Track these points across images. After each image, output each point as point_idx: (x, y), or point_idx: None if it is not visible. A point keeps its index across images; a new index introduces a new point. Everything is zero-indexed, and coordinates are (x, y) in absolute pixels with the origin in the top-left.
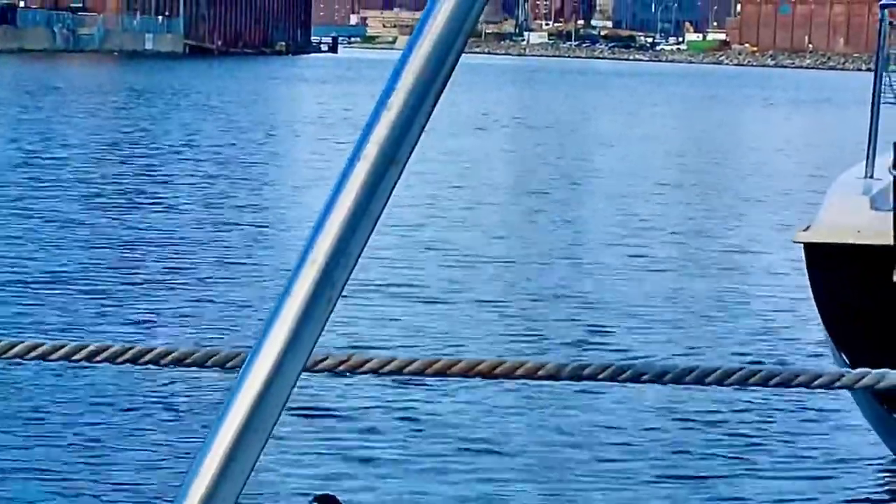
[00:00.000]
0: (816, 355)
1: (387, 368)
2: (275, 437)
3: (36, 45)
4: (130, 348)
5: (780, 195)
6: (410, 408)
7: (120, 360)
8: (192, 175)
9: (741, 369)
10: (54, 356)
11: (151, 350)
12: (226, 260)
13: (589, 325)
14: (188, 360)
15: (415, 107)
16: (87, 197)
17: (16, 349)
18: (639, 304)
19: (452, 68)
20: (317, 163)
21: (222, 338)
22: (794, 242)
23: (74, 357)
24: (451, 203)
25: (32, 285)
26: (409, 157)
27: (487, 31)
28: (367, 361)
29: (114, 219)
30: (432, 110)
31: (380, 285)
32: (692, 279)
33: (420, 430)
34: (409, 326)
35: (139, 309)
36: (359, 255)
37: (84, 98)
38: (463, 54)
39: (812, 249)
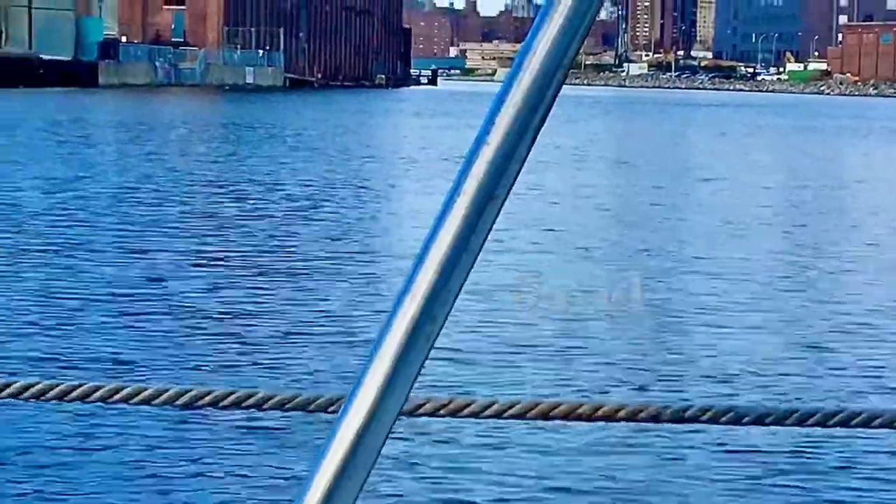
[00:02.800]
0: None
1: (487, 412)
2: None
3: (138, 79)
4: (232, 392)
5: (887, 228)
6: (509, 451)
7: (223, 404)
8: (287, 209)
9: (799, 410)
10: (136, 399)
11: (255, 394)
12: (324, 293)
13: (692, 365)
14: (289, 405)
15: (514, 142)
16: (182, 230)
17: (99, 393)
18: (739, 339)
19: (552, 103)
20: (416, 197)
21: (318, 373)
22: None
23: (170, 402)
24: (545, 241)
25: (120, 319)
26: (508, 193)
27: (587, 62)
28: (467, 405)
29: (209, 252)
30: (532, 145)
31: (468, 324)
32: (797, 318)
33: (518, 476)
34: (496, 369)
35: (232, 349)
36: (459, 291)
37: (184, 132)
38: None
39: None
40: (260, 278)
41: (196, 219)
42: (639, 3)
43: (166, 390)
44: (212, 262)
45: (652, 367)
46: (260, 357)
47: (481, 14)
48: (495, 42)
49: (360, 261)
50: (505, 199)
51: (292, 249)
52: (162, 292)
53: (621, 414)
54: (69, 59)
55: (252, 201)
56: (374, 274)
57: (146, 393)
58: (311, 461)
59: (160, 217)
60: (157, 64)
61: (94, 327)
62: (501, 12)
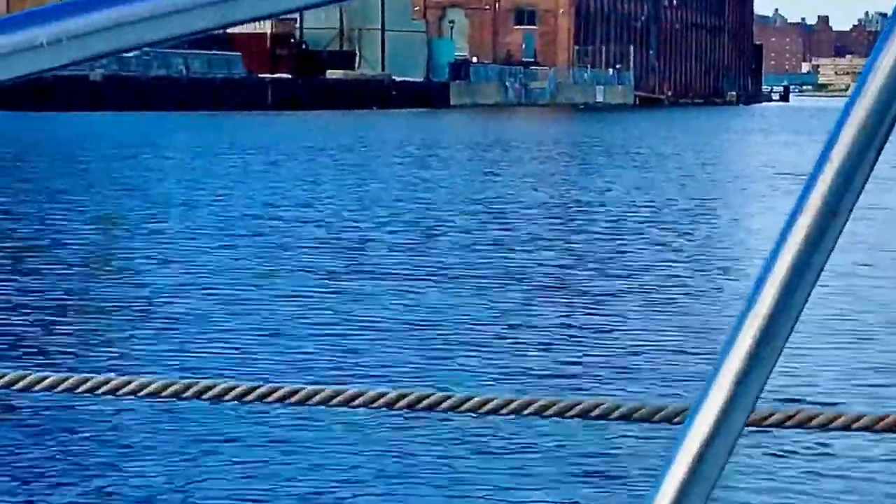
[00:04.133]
0: None
1: (835, 424)
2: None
3: (488, 99)
4: (558, 401)
5: None
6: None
7: (547, 413)
8: (633, 227)
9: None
10: (485, 409)
11: (599, 405)
12: (662, 313)
13: None
14: (635, 416)
15: (858, 159)
16: (512, 248)
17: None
18: None
19: None
20: (762, 215)
21: (662, 387)
22: None
23: (496, 411)
24: (877, 263)
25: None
26: (851, 211)
27: None
28: (813, 417)
29: (543, 269)
30: (875, 162)
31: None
32: None
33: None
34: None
35: (565, 368)
36: (801, 309)
37: (533, 151)
38: None
39: None
40: (593, 299)
41: (531, 238)
42: None
43: (470, 397)
44: (545, 283)
45: None
46: (595, 375)
47: (834, 28)
48: (848, 57)
49: (701, 278)
50: (848, 217)
51: (629, 268)
52: (477, 312)
53: None
54: (421, 80)
55: (592, 220)
56: (714, 291)
57: (450, 401)
58: (657, 473)
59: (497, 236)
60: (507, 84)
61: (420, 346)
62: (854, 26)
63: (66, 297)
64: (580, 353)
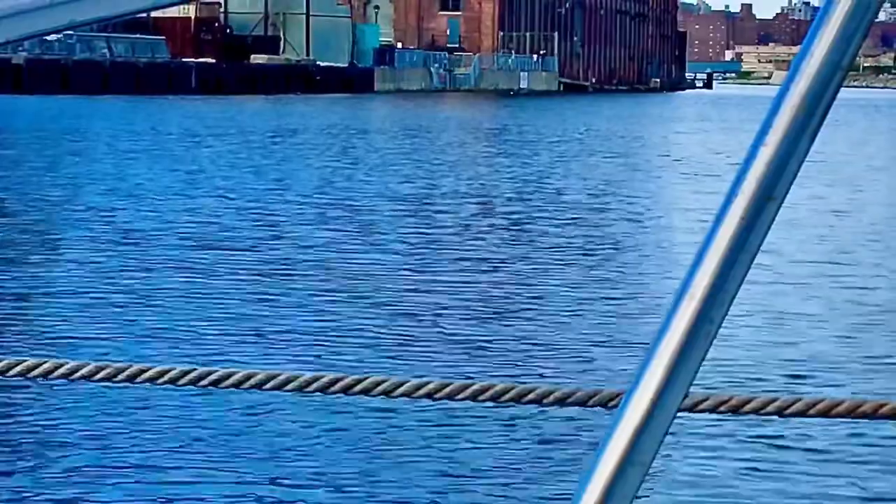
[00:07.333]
0: None
1: (767, 409)
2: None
3: (413, 85)
4: (512, 387)
5: None
6: (786, 448)
7: (504, 398)
8: (563, 213)
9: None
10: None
11: (533, 390)
12: (597, 295)
13: None
14: (570, 399)
15: (791, 144)
16: (433, 233)
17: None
18: None
19: (830, 105)
20: (691, 199)
21: (596, 371)
22: None
23: (451, 396)
24: (811, 253)
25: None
26: (786, 195)
27: (865, 64)
28: (746, 402)
29: (481, 257)
30: (809, 147)
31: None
32: None
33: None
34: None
35: (504, 350)
36: (736, 292)
37: (459, 136)
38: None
39: None
40: (522, 280)
41: (449, 224)
42: None
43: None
44: (466, 270)
45: None
46: (532, 356)
47: (757, 17)
48: (771, 45)
49: (641, 260)
50: (782, 201)
51: (559, 253)
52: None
53: None
54: (345, 65)
55: (515, 206)
56: (654, 274)
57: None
58: (591, 456)
59: (414, 222)
60: (432, 69)
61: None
62: (778, 14)
63: None
64: (509, 345)
